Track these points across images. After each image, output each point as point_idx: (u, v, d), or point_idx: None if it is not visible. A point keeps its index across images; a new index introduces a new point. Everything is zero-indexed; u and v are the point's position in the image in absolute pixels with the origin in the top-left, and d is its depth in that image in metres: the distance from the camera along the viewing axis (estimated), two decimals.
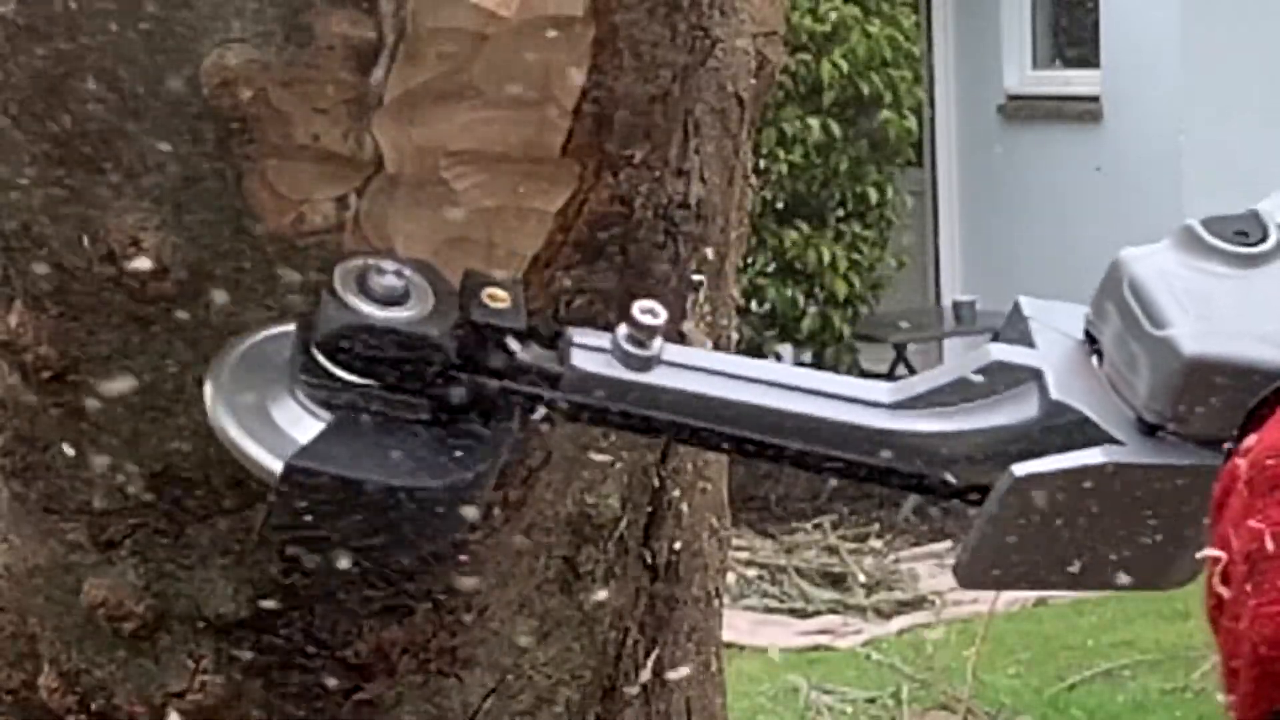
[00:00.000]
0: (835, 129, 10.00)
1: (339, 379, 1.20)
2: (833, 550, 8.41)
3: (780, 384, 1.21)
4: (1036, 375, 1.17)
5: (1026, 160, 11.29)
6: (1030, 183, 11.20)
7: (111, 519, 1.41)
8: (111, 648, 1.45)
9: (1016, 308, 1.22)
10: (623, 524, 1.51)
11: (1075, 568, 1.18)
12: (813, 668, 7.04)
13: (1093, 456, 1.13)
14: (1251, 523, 0.90)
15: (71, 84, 1.29)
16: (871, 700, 6.59)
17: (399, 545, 1.21)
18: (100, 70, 1.28)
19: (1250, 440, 0.95)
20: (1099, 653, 7.00)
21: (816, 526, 8.76)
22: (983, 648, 6.23)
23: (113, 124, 1.29)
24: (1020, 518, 1.14)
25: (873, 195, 10.30)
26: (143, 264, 1.32)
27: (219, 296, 1.33)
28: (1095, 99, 10.95)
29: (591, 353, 1.20)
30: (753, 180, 1.72)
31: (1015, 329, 1.21)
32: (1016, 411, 1.18)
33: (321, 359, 1.20)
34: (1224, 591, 0.91)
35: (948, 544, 8.77)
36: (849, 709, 6.57)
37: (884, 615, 7.86)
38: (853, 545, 8.52)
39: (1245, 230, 1.14)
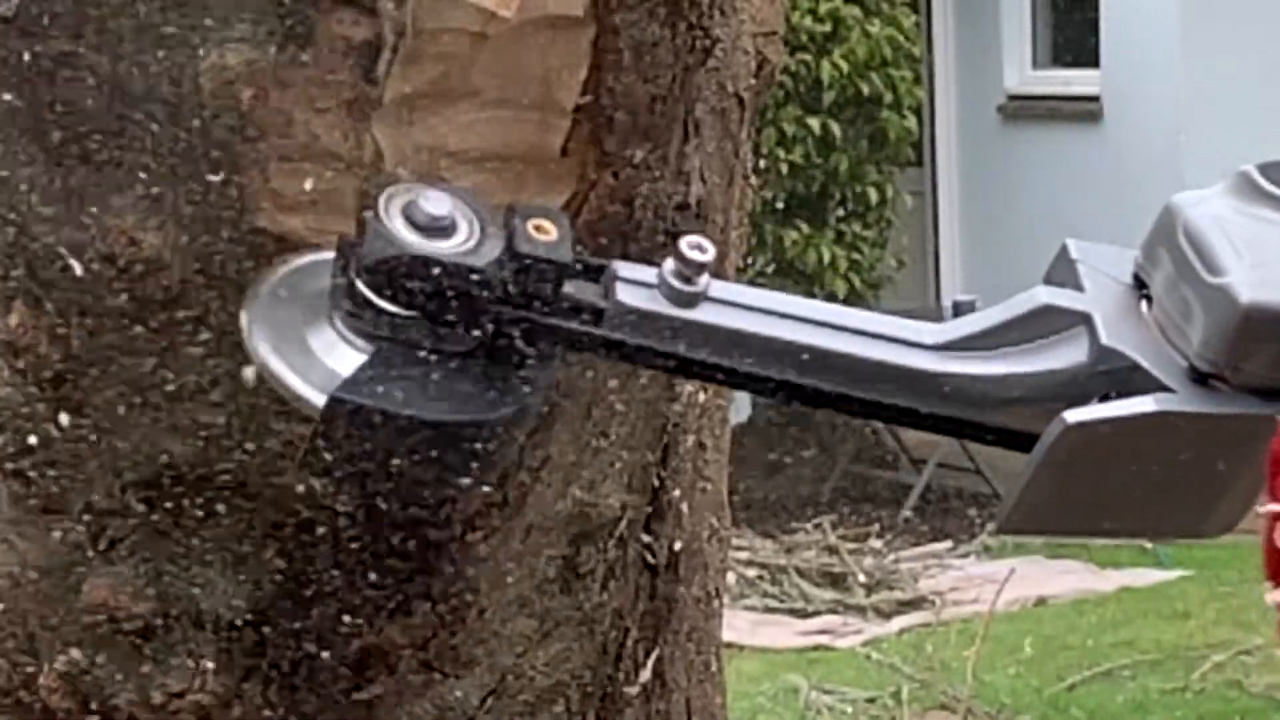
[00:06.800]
0: (835, 129, 9.99)
1: (381, 309, 1.17)
2: (833, 550, 8.40)
3: (828, 323, 1.18)
4: (1086, 320, 1.16)
5: (1026, 160, 11.28)
6: (1030, 183, 11.19)
7: (111, 519, 1.41)
8: (111, 648, 1.45)
9: (1064, 250, 1.19)
10: (623, 524, 1.51)
11: (1117, 515, 1.17)
12: (813, 668, 7.04)
13: (1145, 405, 1.12)
14: None
15: (71, 84, 1.29)
16: (871, 700, 6.58)
17: (440, 479, 1.19)
18: (100, 70, 1.28)
19: None
20: (1099, 653, 6.99)
21: (816, 526, 8.75)
22: (983, 648, 6.23)
23: (112, 123, 1.29)
24: (1069, 465, 1.13)
25: (873, 195, 10.29)
26: (142, 264, 1.32)
27: (218, 296, 1.33)
28: (1095, 99, 10.95)
29: (637, 287, 1.17)
30: (753, 180, 1.72)
31: (1063, 271, 1.19)
32: (1065, 356, 1.16)
33: (364, 288, 1.17)
34: None
35: (948, 544, 8.78)
36: (849, 709, 6.56)
37: (884, 615, 7.85)
38: (853, 545, 8.51)
39: None
